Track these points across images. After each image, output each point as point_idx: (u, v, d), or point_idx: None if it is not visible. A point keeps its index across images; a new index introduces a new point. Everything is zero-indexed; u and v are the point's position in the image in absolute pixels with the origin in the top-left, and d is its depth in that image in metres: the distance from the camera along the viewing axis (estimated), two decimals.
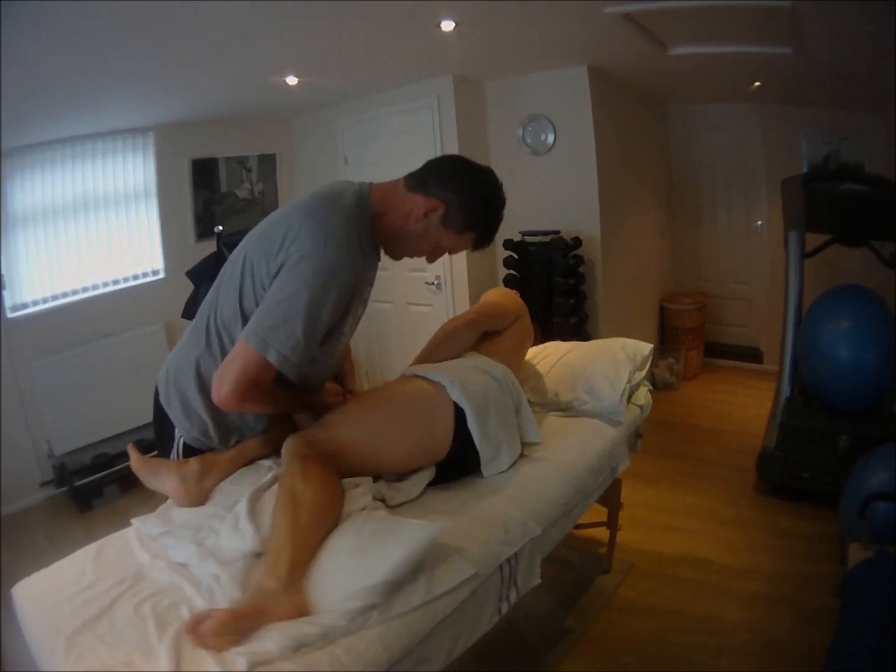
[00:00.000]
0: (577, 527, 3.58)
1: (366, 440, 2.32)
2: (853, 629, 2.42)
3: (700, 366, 7.38)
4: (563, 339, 3.76)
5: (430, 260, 2.37)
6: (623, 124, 6.20)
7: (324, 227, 2.02)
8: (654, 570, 3.78)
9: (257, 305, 2.06)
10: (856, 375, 4.25)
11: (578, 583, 3.68)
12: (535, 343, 3.44)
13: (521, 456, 2.65)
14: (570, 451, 2.78)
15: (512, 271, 5.73)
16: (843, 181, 4.49)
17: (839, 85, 5.39)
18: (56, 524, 4.86)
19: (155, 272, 6.04)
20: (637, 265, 6.74)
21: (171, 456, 2.43)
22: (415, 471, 2.44)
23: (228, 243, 4.92)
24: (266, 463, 2.38)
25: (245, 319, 2.09)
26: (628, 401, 3.22)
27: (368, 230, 2.20)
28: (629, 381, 3.17)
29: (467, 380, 2.52)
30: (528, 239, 5.69)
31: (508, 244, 5.71)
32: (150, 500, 2.53)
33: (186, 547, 2.05)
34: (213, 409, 2.25)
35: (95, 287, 5.64)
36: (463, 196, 2.19)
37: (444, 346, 2.86)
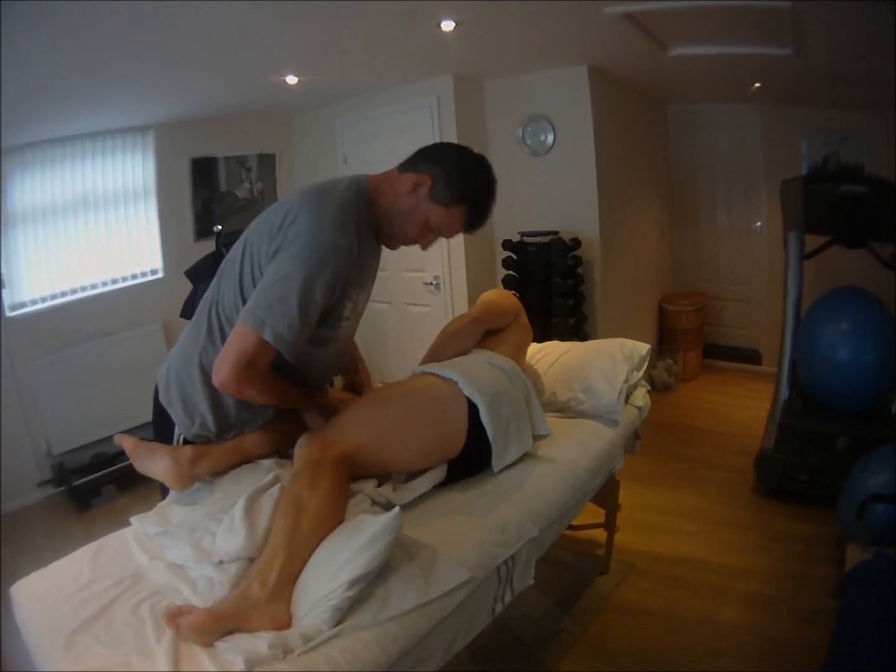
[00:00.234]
0: (575, 528, 3.60)
1: (381, 439, 2.32)
2: (852, 631, 2.42)
3: (699, 367, 7.37)
4: (562, 340, 3.75)
5: (423, 244, 2.34)
6: (623, 125, 6.20)
7: (319, 209, 2.05)
8: (652, 571, 3.78)
9: None
10: (855, 377, 4.25)
11: (576, 584, 3.68)
12: (534, 343, 3.44)
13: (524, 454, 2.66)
14: (568, 451, 2.78)
15: (511, 272, 5.73)
16: (843, 182, 4.49)
17: (839, 85, 5.39)
18: (55, 524, 4.85)
19: (154, 271, 6.04)
20: (636, 266, 6.74)
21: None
22: (425, 469, 2.44)
23: (227, 243, 4.90)
24: (266, 463, 2.37)
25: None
26: (626, 401, 3.23)
27: (365, 215, 2.21)
28: (626, 381, 3.18)
29: (478, 375, 2.54)
30: (527, 239, 5.68)
31: (507, 245, 5.71)
32: (149, 499, 2.54)
33: (182, 548, 2.06)
34: (215, 403, 2.27)
35: (94, 286, 5.63)
36: (450, 169, 2.18)
37: (449, 345, 2.89)
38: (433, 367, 2.62)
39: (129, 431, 2.46)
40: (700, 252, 7.72)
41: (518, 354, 3.10)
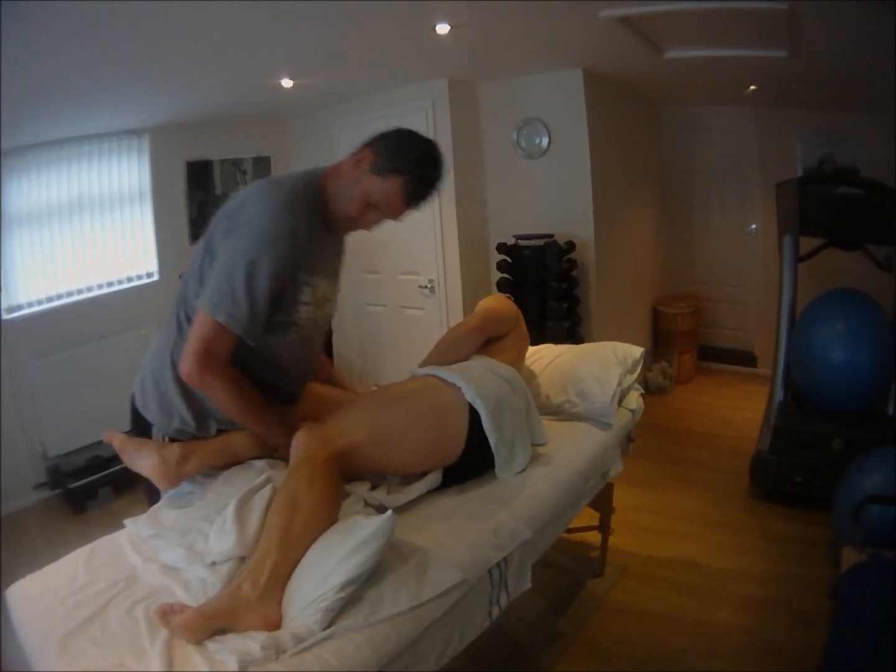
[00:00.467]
0: (570, 531, 3.59)
1: (379, 440, 2.31)
2: (847, 632, 2.43)
3: (693, 369, 7.38)
4: (557, 343, 3.76)
5: (365, 223, 2.29)
6: (618, 127, 6.21)
7: (266, 197, 2.08)
8: (647, 573, 3.78)
9: None
10: (850, 379, 4.25)
11: (571, 586, 3.68)
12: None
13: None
14: (561, 455, 2.78)
15: (505, 275, 5.72)
16: (838, 185, 4.50)
17: (835, 88, 5.40)
18: (50, 526, 4.84)
19: (149, 274, 6.03)
20: (631, 269, 6.75)
21: None
22: (422, 474, 2.44)
23: None
24: (259, 464, 2.37)
25: None
26: (619, 404, 3.24)
27: (316, 203, 2.22)
28: (620, 384, 3.18)
29: (481, 381, 2.53)
30: (522, 242, 5.67)
31: (502, 248, 5.71)
32: (145, 502, 2.53)
33: (175, 550, 2.06)
34: (189, 396, 2.28)
35: (90, 289, 5.63)
36: (391, 143, 2.21)
37: (449, 352, 2.86)
38: (436, 370, 2.61)
39: (125, 434, 2.46)
40: (695, 254, 7.73)
41: (517, 362, 3.10)
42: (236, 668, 1.55)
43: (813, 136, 6.51)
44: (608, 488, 3.49)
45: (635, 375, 3.40)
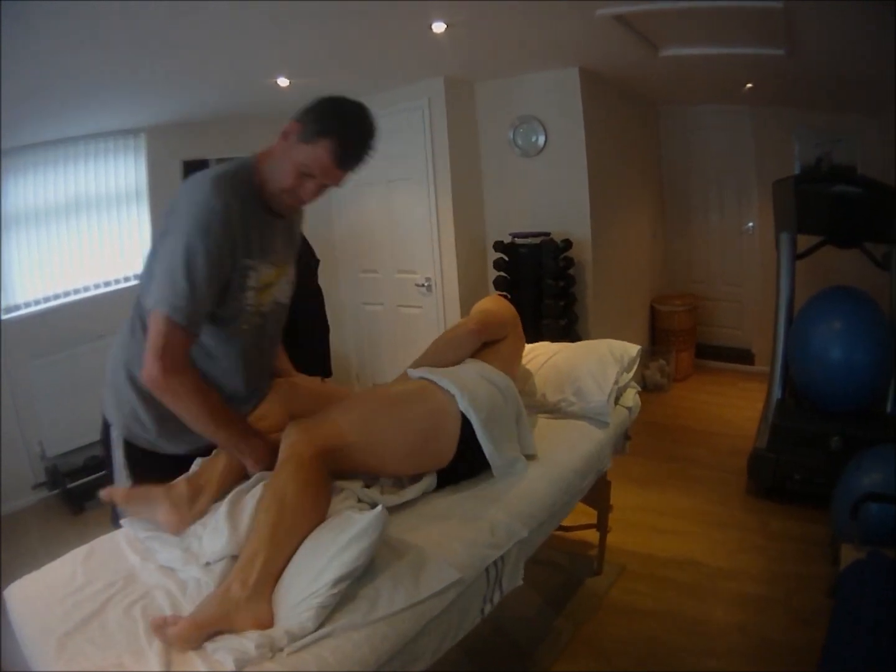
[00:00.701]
0: (568, 529, 3.60)
1: (369, 442, 2.30)
2: (846, 630, 2.43)
3: (691, 367, 7.39)
4: (553, 341, 3.75)
5: (304, 194, 2.21)
6: (614, 126, 6.21)
7: (195, 187, 2.06)
8: (645, 571, 3.78)
9: None
10: (847, 377, 4.25)
11: (569, 585, 3.68)
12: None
13: None
14: (557, 453, 2.78)
15: (502, 273, 5.73)
16: (836, 183, 4.50)
17: (832, 86, 5.41)
18: (49, 526, 4.84)
19: None
20: (628, 267, 6.75)
21: (114, 458, 2.42)
22: (415, 477, 2.44)
23: None
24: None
25: None
26: (616, 402, 3.23)
27: (250, 186, 2.18)
28: (616, 383, 3.18)
29: (474, 390, 2.51)
30: (519, 241, 5.69)
31: (499, 246, 5.72)
32: None
33: (171, 551, 2.06)
34: (147, 399, 2.24)
35: (87, 289, 5.63)
36: (317, 109, 2.14)
37: (445, 354, 2.85)
38: (430, 373, 2.59)
39: None
40: (692, 253, 7.74)
41: (513, 365, 3.09)
42: (233, 669, 1.55)
43: (810, 135, 6.49)
44: (606, 486, 3.50)
45: (632, 373, 3.39)
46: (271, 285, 2.34)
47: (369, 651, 1.68)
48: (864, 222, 4.41)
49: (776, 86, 5.71)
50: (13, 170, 5.08)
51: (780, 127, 6.63)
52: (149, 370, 2.02)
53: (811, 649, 2.76)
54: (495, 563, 2.19)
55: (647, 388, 6.71)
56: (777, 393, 4.73)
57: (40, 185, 5.27)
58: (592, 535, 3.74)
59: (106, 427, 2.43)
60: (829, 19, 3.76)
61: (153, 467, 2.32)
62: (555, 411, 3.18)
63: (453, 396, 2.45)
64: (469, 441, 2.43)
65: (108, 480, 2.51)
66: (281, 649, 1.63)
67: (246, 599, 1.75)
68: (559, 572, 3.80)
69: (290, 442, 2.12)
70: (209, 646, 1.66)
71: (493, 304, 3.25)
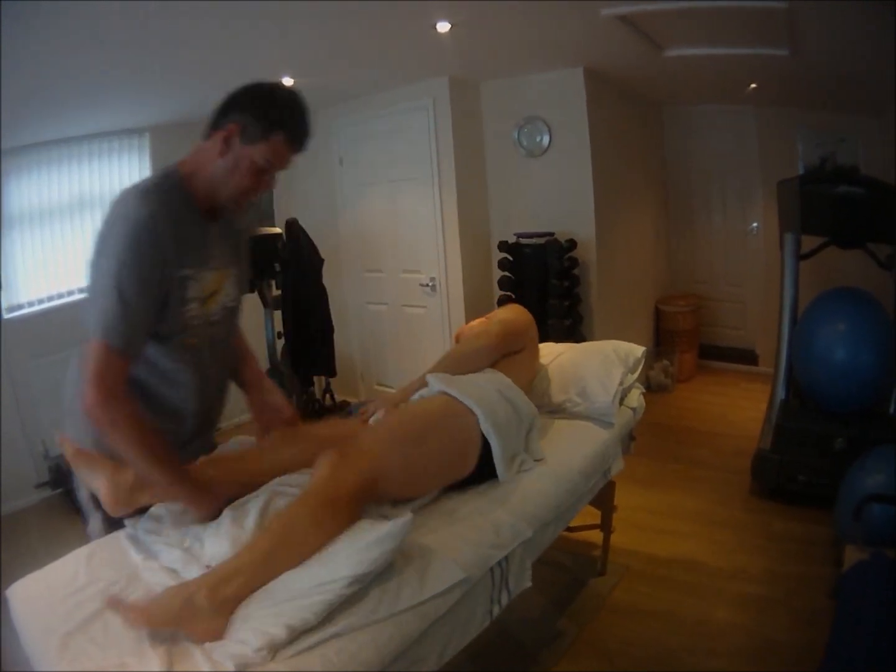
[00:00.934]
0: (571, 529, 3.59)
1: (410, 476, 2.29)
2: (849, 631, 2.42)
3: (695, 368, 7.39)
4: (558, 342, 3.76)
5: (265, 186, 2.18)
6: (619, 126, 6.21)
7: (118, 206, 1.99)
8: (649, 572, 3.78)
9: None
10: (851, 378, 4.24)
11: (573, 585, 3.68)
12: None
13: None
14: (562, 453, 2.79)
15: (507, 273, 5.73)
16: (839, 183, 4.48)
17: (836, 87, 5.40)
18: (51, 526, 4.83)
19: None
20: (632, 267, 6.75)
21: (77, 486, 2.40)
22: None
23: None
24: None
25: None
26: (621, 403, 3.23)
27: (179, 194, 2.10)
28: (621, 384, 3.18)
29: (496, 411, 2.53)
30: (523, 241, 5.68)
31: (503, 246, 5.72)
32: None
33: (172, 551, 2.05)
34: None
35: None
36: (249, 107, 2.08)
37: (466, 364, 2.84)
38: (452, 388, 2.59)
39: None
40: (696, 253, 7.74)
41: (528, 375, 3.13)
42: (233, 669, 1.54)
43: (814, 135, 6.51)
44: (610, 487, 3.49)
45: (637, 374, 3.39)
46: (216, 292, 2.27)
47: (374, 652, 1.68)
48: (867, 223, 4.39)
49: (780, 86, 5.71)
50: (16, 169, 5.08)
51: (784, 127, 6.65)
52: (86, 399, 1.93)
53: (813, 650, 2.76)
54: (500, 563, 2.19)
55: (651, 388, 6.71)
56: (781, 394, 4.72)
57: (44, 185, 5.28)
58: (596, 536, 3.74)
59: (67, 462, 2.32)
60: (831, 19, 3.76)
61: None
62: (559, 412, 3.19)
63: (477, 418, 2.46)
64: (483, 455, 2.46)
65: (78, 511, 2.49)
66: (280, 645, 1.62)
67: (210, 611, 1.71)
68: (563, 572, 3.80)
69: (325, 476, 2.05)
70: (210, 646, 1.65)
71: (514, 314, 3.26)
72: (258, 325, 5.52)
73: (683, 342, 7.17)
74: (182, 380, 2.23)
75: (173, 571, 2.00)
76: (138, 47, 3.70)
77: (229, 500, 2.18)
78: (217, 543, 1.98)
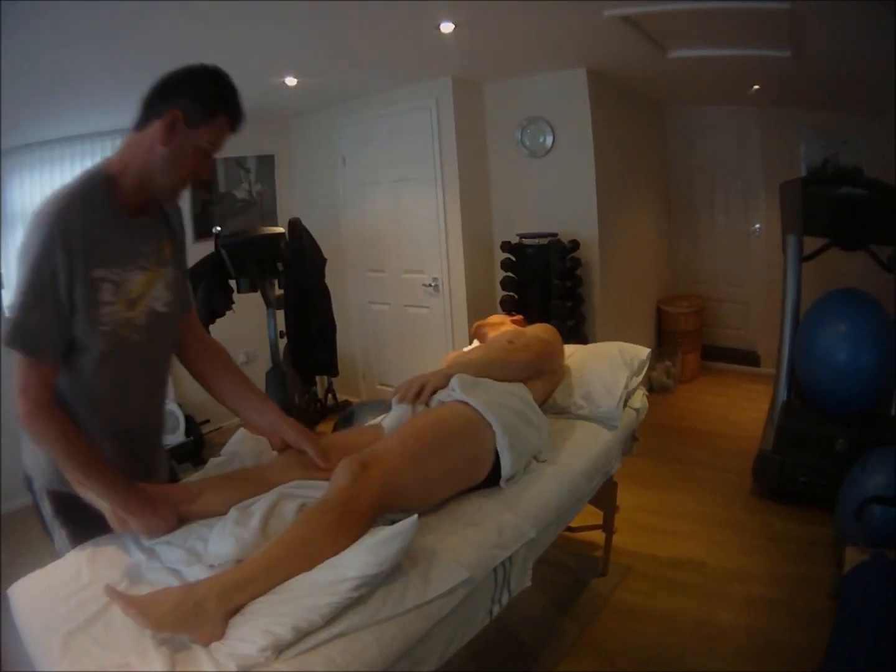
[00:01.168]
0: (573, 530, 3.60)
1: (426, 488, 2.28)
2: (849, 632, 2.43)
3: (697, 369, 7.39)
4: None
5: (204, 171, 2.14)
6: (621, 127, 6.21)
7: (36, 213, 1.97)
8: (651, 572, 3.78)
9: None
10: (853, 379, 4.24)
11: (574, 585, 3.68)
12: None
13: None
14: (565, 454, 2.79)
15: (509, 274, 5.72)
16: (842, 185, 4.48)
17: (838, 88, 5.40)
18: None
19: None
20: (634, 268, 6.75)
21: (42, 511, 2.43)
22: None
23: (227, 244, 4.93)
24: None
25: None
26: (624, 405, 3.23)
27: (104, 194, 2.07)
28: (626, 387, 3.18)
29: (516, 432, 2.52)
30: (526, 241, 5.68)
31: (506, 246, 5.71)
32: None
33: (174, 551, 2.05)
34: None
35: None
36: (189, 92, 2.04)
37: (496, 370, 2.81)
38: (475, 398, 2.54)
39: None
40: (698, 254, 7.74)
41: (551, 385, 3.12)
42: (235, 669, 1.54)
43: (816, 137, 6.50)
44: (612, 487, 3.50)
45: (641, 377, 3.40)
46: (143, 295, 2.13)
47: (377, 652, 1.68)
48: (869, 224, 4.39)
49: (782, 87, 5.71)
50: (17, 168, 5.09)
51: (787, 128, 6.65)
52: (18, 411, 1.91)
53: (814, 650, 2.76)
54: (503, 563, 2.18)
55: (654, 389, 6.72)
56: (782, 395, 4.72)
57: (46, 184, 5.26)
58: (598, 536, 3.74)
59: (28, 480, 2.37)
60: (832, 20, 3.76)
61: (87, 513, 2.15)
62: (563, 413, 3.18)
63: (496, 436, 2.45)
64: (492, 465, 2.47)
65: (45, 534, 2.45)
66: (285, 645, 1.61)
67: (218, 619, 1.69)
68: (565, 573, 3.80)
69: (343, 486, 2.02)
70: (213, 646, 1.65)
71: (549, 334, 3.24)
72: (261, 325, 5.52)
73: (686, 343, 7.18)
74: (99, 394, 2.14)
75: (176, 571, 1.99)
76: (138, 47, 3.70)
77: (182, 522, 2.16)
78: (220, 543, 1.97)
